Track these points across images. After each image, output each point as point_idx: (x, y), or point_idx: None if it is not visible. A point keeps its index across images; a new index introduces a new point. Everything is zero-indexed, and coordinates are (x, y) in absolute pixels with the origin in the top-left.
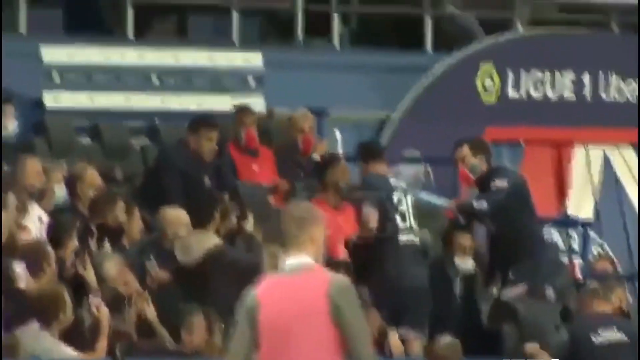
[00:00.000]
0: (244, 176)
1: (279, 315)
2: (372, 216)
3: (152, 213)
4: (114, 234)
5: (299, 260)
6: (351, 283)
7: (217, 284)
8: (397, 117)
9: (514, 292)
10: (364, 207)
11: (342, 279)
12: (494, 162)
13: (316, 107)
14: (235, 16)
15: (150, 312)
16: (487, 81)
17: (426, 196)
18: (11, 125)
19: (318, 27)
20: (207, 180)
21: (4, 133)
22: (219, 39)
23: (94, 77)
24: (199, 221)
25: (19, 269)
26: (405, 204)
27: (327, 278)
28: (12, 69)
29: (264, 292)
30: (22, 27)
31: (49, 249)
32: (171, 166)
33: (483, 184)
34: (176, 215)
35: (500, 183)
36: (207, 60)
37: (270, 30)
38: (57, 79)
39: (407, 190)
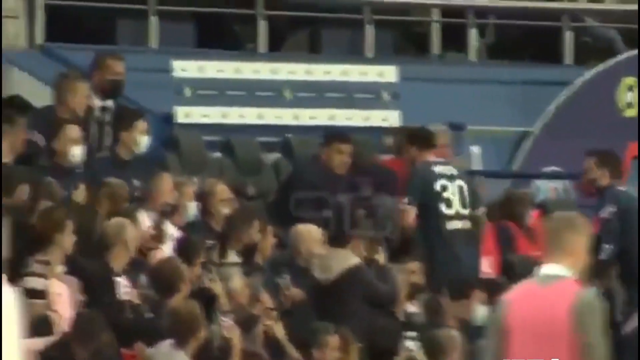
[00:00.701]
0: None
1: (524, 322)
2: (410, 212)
3: (285, 229)
4: (247, 251)
5: (553, 269)
6: (599, 298)
7: (353, 303)
8: (536, 132)
9: (630, 326)
10: (402, 202)
11: (589, 294)
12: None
13: (452, 122)
14: (369, 29)
15: (279, 330)
16: (628, 95)
17: None
18: (143, 141)
19: (454, 40)
20: (341, 196)
21: (134, 148)
22: (353, 53)
23: (226, 91)
24: (334, 238)
25: (122, 282)
26: (452, 190)
27: (575, 291)
28: (143, 84)
29: (514, 298)
30: (153, 41)
31: (184, 267)
32: (303, 181)
33: (602, 197)
34: (309, 232)
35: (606, 214)
36: (341, 75)
37: (405, 43)
38: (188, 93)
39: (456, 176)
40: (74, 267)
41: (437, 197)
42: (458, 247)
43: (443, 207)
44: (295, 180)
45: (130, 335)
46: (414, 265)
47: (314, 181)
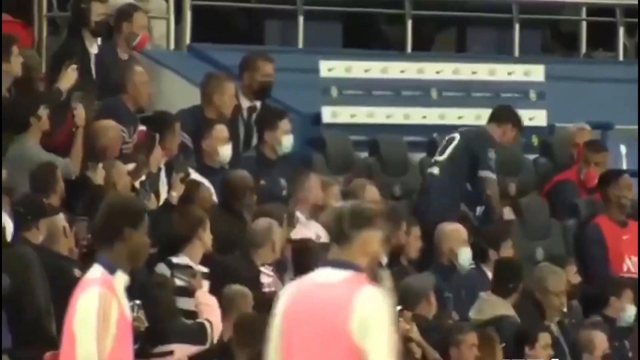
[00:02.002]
0: None
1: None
2: None
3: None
4: (394, 252)
5: None
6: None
7: None
8: None
9: None
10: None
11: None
12: None
13: (599, 121)
14: (516, 28)
15: (414, 333)
16: None
17: None
18: (286, 141)
19: (602, 38)
20: None
21: (278, 148)
22: (500, 52)
23: (373, 91)
24: (497, 288)
25: (267, 280)
26: (440, 140)
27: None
28: (291, 84)
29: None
30: (301, 41)
31: None
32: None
33: None
34: (455, 231)
35: None
36: (487, 74)
37: (552, 42)
38: (334, 93)
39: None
40: (213, 264)
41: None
42: (431, 188)
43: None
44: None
45: None
46: (574, 268)
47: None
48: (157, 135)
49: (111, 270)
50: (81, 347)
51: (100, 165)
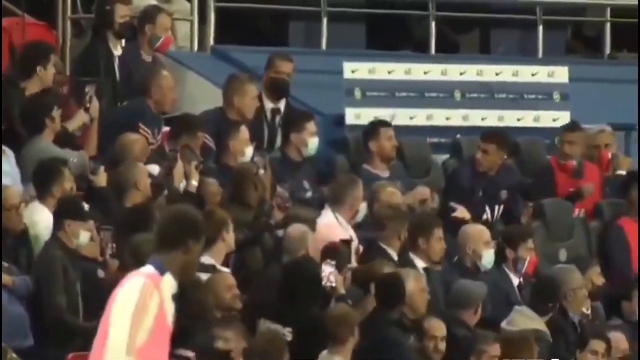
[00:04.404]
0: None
1: None
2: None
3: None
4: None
5: None
6: None
7: None
8: None
9: None
10: None
11: None
12: None
13: (622, 123)
14: (540, 29)
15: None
16: None
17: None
18: (312, 143)
19: (625, 40)
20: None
21: (304, 150)
22: (523, 53)
23: (396, 93)
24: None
25: (328, 269)
26: None
27: None
28: (314, 85)
29: None
30: (324, 43)
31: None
32: (454, 183)
33: None
34: (477, 232)
35: None
36: (511, 75)
37: (576, 43)
38: (358, 95)
39: None
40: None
41: None
42: None
43: None
44: (449, 182)
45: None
46: (597, 269)
47: (463, 183)
48: (179, 150)
49: (161, 271)
50: (113, 331)
51: (102, 168)
